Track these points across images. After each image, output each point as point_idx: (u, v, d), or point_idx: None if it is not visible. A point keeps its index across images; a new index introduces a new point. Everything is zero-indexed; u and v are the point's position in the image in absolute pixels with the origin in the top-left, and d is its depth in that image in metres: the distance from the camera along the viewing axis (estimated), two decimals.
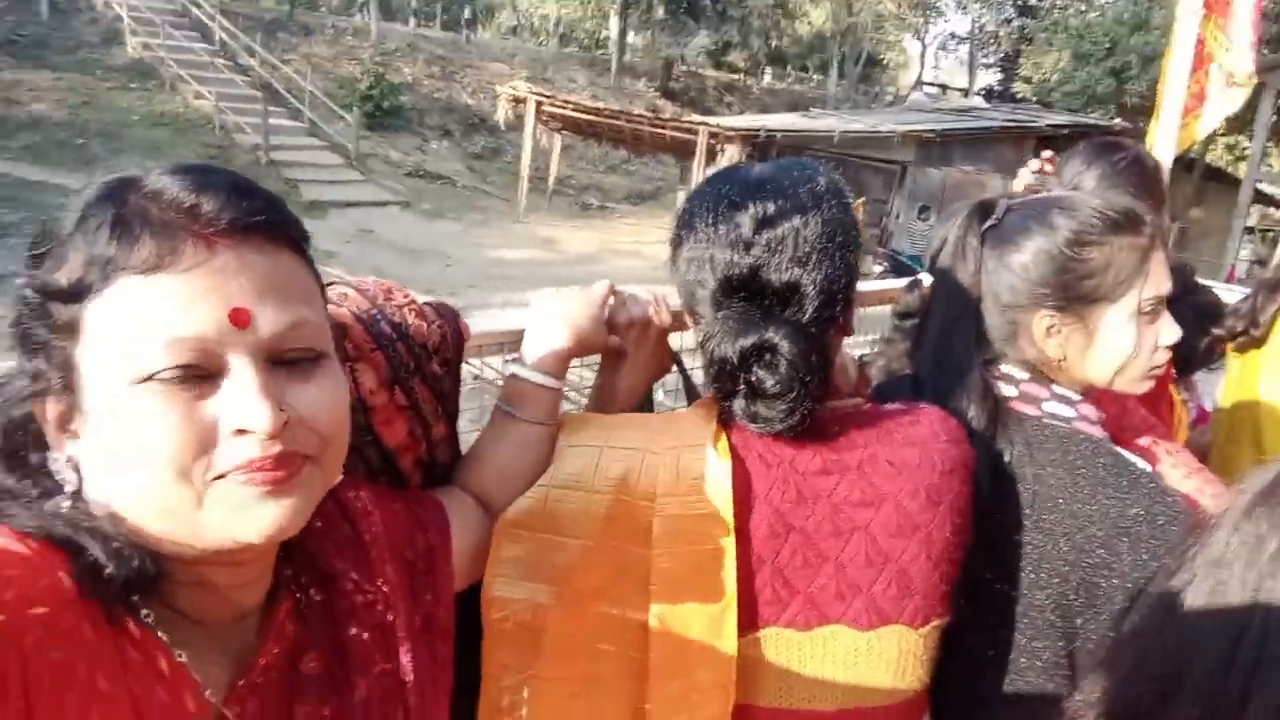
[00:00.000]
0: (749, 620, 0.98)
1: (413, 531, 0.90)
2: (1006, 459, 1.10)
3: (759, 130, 14.87)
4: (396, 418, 0.93)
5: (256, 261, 0.62)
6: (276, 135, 16.66)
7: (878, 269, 13.58)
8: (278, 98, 18.15)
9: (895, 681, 1.00)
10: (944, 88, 36.77)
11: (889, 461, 1.00)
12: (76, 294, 0.59)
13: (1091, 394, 1.18)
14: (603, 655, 0.99)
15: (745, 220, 0.97)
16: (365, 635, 0.78)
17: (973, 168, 15.74)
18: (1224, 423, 1.97)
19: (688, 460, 0.99)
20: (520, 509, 1.00)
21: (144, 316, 0.59)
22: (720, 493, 0.97)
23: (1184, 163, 15.74)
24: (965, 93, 34.51)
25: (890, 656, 0.99)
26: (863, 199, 14.17)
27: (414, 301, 0.98)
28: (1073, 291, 1.13)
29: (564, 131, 18.82)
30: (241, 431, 0.61)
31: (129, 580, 0.61)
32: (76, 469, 0.63)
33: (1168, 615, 0.59)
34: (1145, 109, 19.73)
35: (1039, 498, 1.07)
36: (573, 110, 17.15)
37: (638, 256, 15.35)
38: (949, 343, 1.18)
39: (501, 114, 18.56)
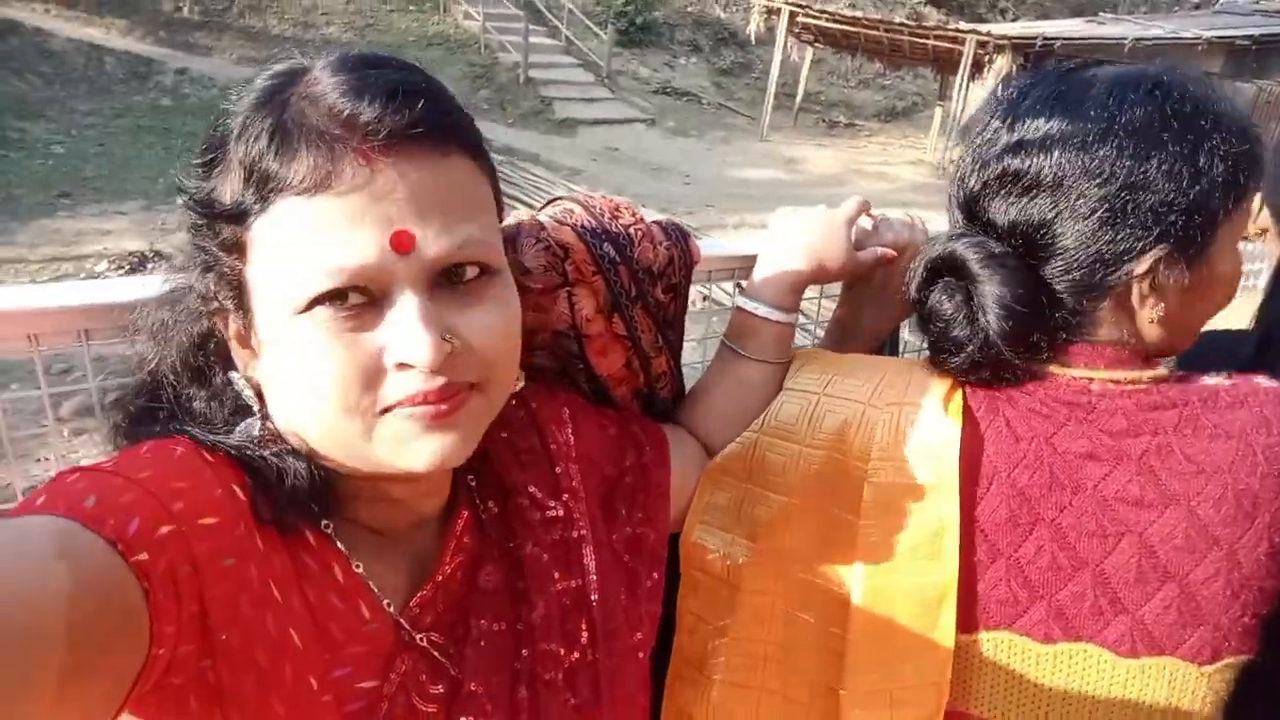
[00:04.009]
0: (975, 618, 0.83)
1: (622, 449, 0.85)
2: None
3: (1035, 38, 13.41)
4: (612, 347, 0.87)
5: (419, 176, 0.57)
6: (535, 54, 17.19)
7: None
8: (538, 16, 18.68)
9: None
10: None
11: (1186, 455, 0.78)
12: (239, 215, 0.57)
13: None
14: (799, 624, 0.90)
15: (1001, 137, 0.82)
16: (544, 554, 0.76)
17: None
18: None
19: (910, 419, 0.86)
20: (729, 454, 0.93)
21: (303, 242, 0.55)
22: (945, 462, 0.83)
23: None
24: None
25: (1156, 694, 0.80)
26: None
27: (642, 221, 0.91)
28: None
29: (817, 44, 17.99)
30: (404, 365, 0.57)
31: (303, 496, 0.61)
32: (257, 390, 0.63)
33: None
34: None
35: None
36: (828, 20, 16.31)
37: (884, 179, 14.54)
38: None
39: (753, 27, 18.03)
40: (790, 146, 16.37)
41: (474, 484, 0.75)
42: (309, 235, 0.55)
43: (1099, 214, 0.78)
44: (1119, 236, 0.78)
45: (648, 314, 0.89)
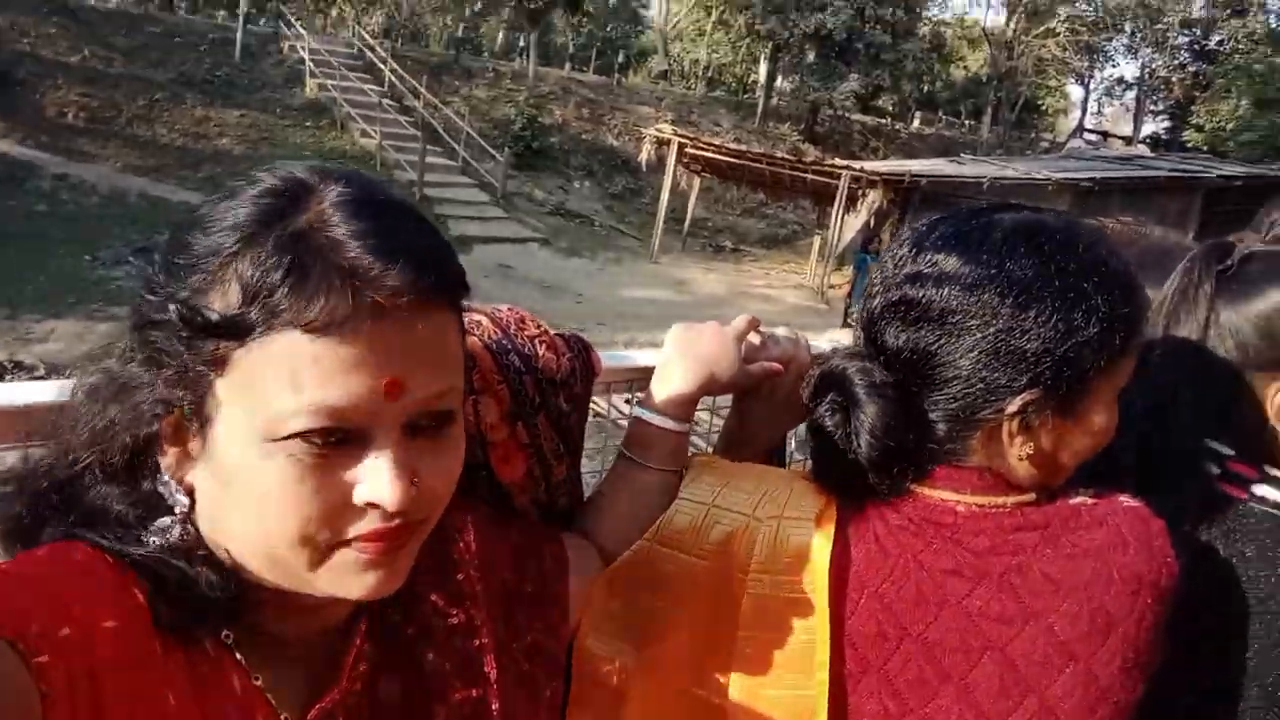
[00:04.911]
0: None
1: (524, 558, 0.86)
2: (1213, 555, 0.93)
3: (903, 175, 14.52)
4: (515, 455, 0.90)
5: (421, 330, 0.59)
6: (432, 173, 17.52)
7: None
8: (436, 137, 19.08)
9: None
10: (1106, 135, 35.08)
11: (1045, 574, 0.82)
12: (234, 332, 0.56)
13: None
14: None
15: (905, 267, 0.87)
16: (445, 663, 0.75)
17: (1131, 219, 14.85)
18: None
19: (787, 533, 0.89)
20: (624, 562, 0.95)
21: (298, 375, 0.56)
22: (816, 576, 0.86)
23: None
24: (1129, 140, 32.75)
25: None
26: None
27: (546, 332, 0.95)
28: None
29: (704, 174, 18.95)
30: (373, 505, 0.59)
31: (209, 606, 0.60)
32: (191, 493, 0.62)
33: None
34: None
35: (1250, 599, 0.90)
36: (714, 153, 17.26)
37: (768, 300, 15.21)
38: (1167, 411, 0.98)
39: (644, 156, 18.89)
40: (679, 269, 16.97)
41: None
42: (306, 372, 0.55)
43: (977, 352, 0.82)
44: (993, 375, 0.82)
45: (550, 423, 0.92)
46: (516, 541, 0.87)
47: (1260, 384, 0.99)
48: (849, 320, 12.84)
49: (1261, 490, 0.98)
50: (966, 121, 36.13)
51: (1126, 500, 0.87)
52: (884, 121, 32.31)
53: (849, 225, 15.14)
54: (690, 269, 17.20)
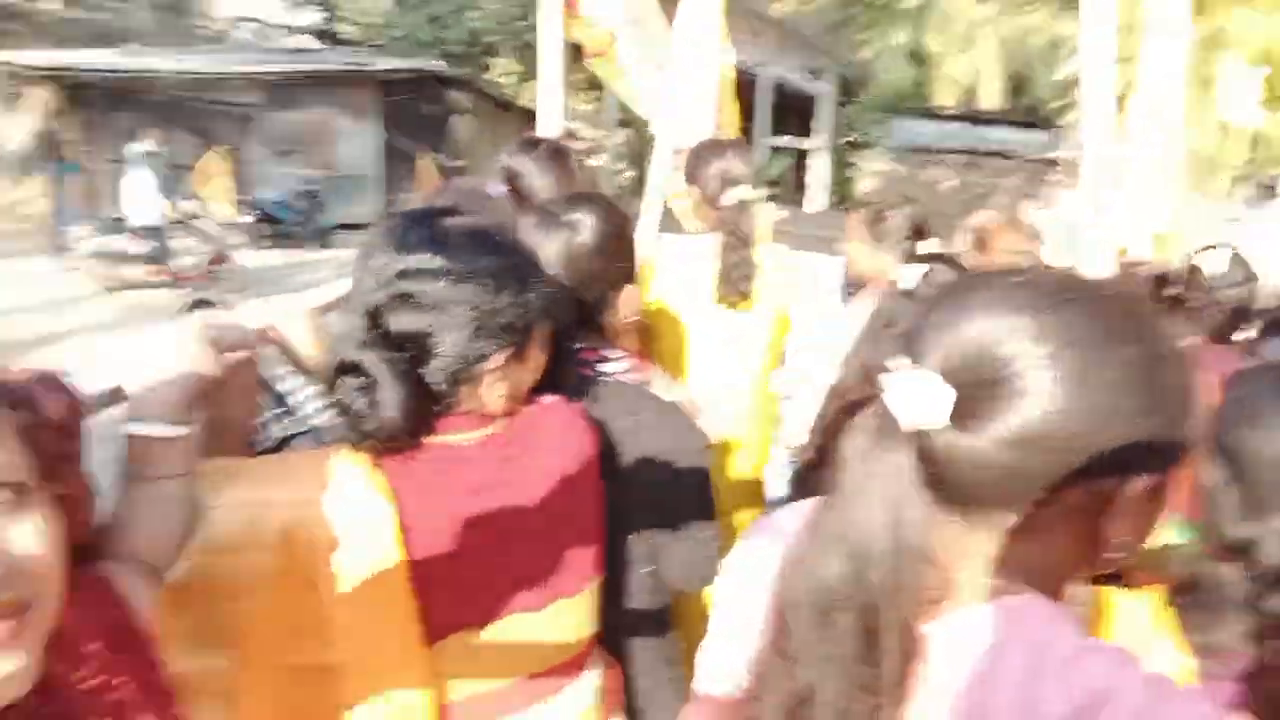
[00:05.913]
0: (435, 634, 1.06)
1: (102, 607, 0.86)
2: (599, 421, 1.31)
3: (71, 69, 12.72)
4: None
5: None
6: None
7: (246, 220, 13.01)
8: None
9: (568, 641, 1.17)
10: (261, 23, 35.32)
11: (539, 469, 1.14)
12: None
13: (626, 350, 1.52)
14: (301, 701, 1.03)
15: (395, 264, 1.04)
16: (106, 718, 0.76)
17: (322, 110, 15.77)
18: None
19: (346, 505, 1.02)
20: (180, 582, 0.98)
21: None
22: (384, 530, 1.02)
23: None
24: (289, 30, 33.68)
25: (562, 624, 1.16)
26: (225, 147, 13.35)
27: (29, 375, 0.86)
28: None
29: None
30: None
31: None
32: None
33: None
34: (468, 56, 21.71)
35: (619, 446, 1.32)
36: None
37: None
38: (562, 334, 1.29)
39: None
40: None
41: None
42: None
43: (467, 330, 1.05)
44: (480, 345, 1.07)
45: (73, 466, 0.86)
46: (85, 593, 0.83)
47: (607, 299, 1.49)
48: (59, 241, 11.06)
49: (603, 367, 1.45)
50: (113, 4, 32.42)
51: (547, 398, 1.22)
52: (13, 1, 27.09)
53: (14, 129, 12.78)
54: None
